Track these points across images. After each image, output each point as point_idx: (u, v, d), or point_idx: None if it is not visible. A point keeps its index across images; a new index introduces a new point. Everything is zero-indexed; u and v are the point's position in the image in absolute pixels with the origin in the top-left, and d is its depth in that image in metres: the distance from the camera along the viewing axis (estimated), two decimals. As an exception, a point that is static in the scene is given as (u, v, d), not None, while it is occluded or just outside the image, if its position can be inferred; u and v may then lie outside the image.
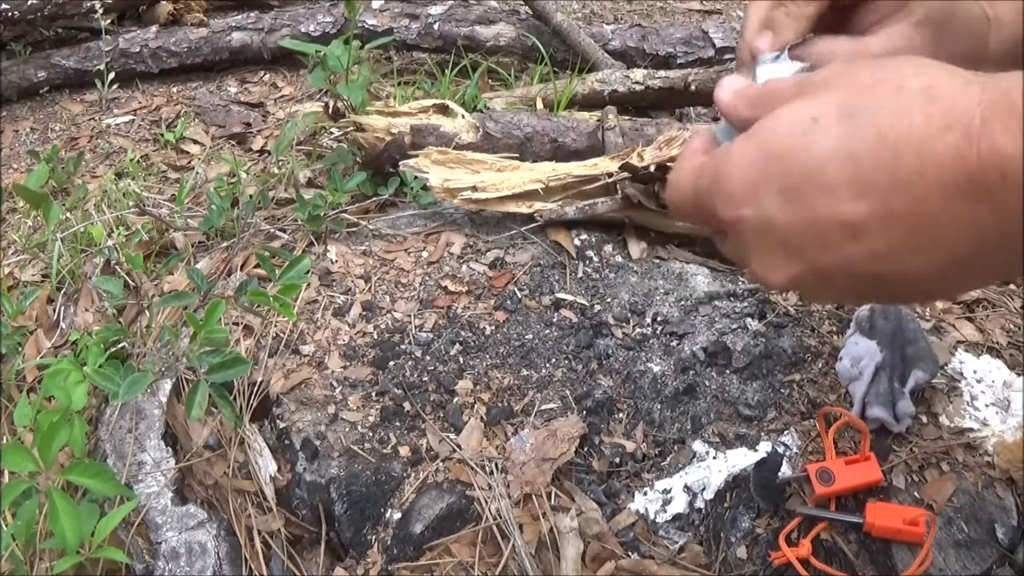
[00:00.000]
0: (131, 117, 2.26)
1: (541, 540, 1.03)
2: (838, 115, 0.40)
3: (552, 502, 1.06)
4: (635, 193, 1.44)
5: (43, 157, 1.77)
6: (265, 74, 2.44)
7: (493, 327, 1.30)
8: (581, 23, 2.48)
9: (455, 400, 1.19)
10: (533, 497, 1.06)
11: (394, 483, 1.10)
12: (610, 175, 1.48)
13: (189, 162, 2.03)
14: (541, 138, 1.73)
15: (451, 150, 1.59)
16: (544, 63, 2.20)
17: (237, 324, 1.32)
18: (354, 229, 1.52)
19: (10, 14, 2.30)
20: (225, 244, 1.54)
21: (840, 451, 1.08)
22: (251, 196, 1.59)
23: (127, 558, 1.03)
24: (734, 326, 1.28)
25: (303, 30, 2.38)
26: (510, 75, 2.26)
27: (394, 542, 1.06)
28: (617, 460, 1.12)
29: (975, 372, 1.18)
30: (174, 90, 2.38)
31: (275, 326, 1.30)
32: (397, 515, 1.08)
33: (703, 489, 1.07)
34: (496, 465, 1.10)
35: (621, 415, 1.18)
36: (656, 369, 1.23)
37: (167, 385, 1.24)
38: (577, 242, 1.46)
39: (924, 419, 1.12)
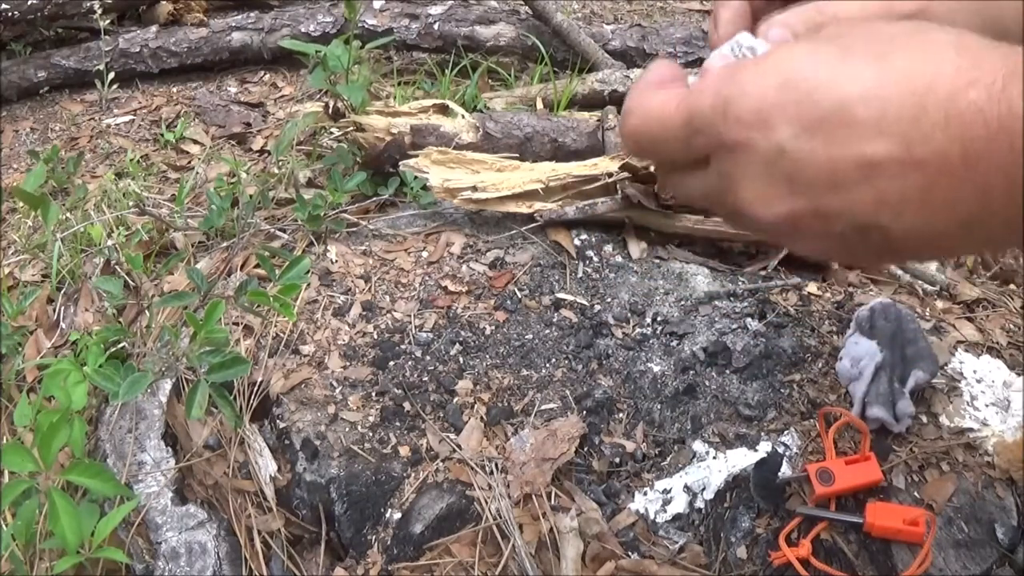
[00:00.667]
0: (131, 117, 2.26)
1: (541, 540, 1.03)
2: (867, 57, 0.39)
3: (552, 502, 1.06)
4: (635, 193, 1.44)
5: (43, 157, 1.77)
6: (265, 74, 2.44)
7: (493, 327, 1.30)
8: (581, 23, 2.47)
9: (455, 400, 1.19)
10: (533, 497, 1.06)
11: (394, 483, 1.10)
12: (610, 175, 1.49)
13: (189, 162, 2.03)
14: (541, 138, 1.73)
15: (451, 150, 1.59)
16: (544, 63, 2.20)
17: (237, 324, 1.32)
18: (354, 229, 1.52)
19: (10, 14, 2.30)
20: (225, 244, 1.54)
21: (840, 451, 1.08)
22: (251, 196, 1.59)
23: (127, 558, 1.03)
24: (734, 326, 1.28)
25: (303, 30, 2.37)
26: (510, 75, 2.26)
27: (394, 542, 1.06)
28: (617, 460, 1.12)
29: (975, 372, 1.18)
30: (174, 90, 2.38)
31: (275, 326, 1.30)
32: (397, 515, 1.08)
33: (703, 489, 1.07)
34: (496, 465, 1.10)
35: (621, 415, 1.18)
36: (656, 369, 1.23)
37: (167, 385, 1.24)
38: (577, 242, 1.46)
39: (924, 419, 1.12)
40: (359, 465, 1.12)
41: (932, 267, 1.46)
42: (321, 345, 1.28)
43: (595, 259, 1.44)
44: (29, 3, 2.30)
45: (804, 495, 1.04)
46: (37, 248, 1.65)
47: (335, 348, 1.28)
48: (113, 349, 1.26)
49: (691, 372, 1.22)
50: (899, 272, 1.41)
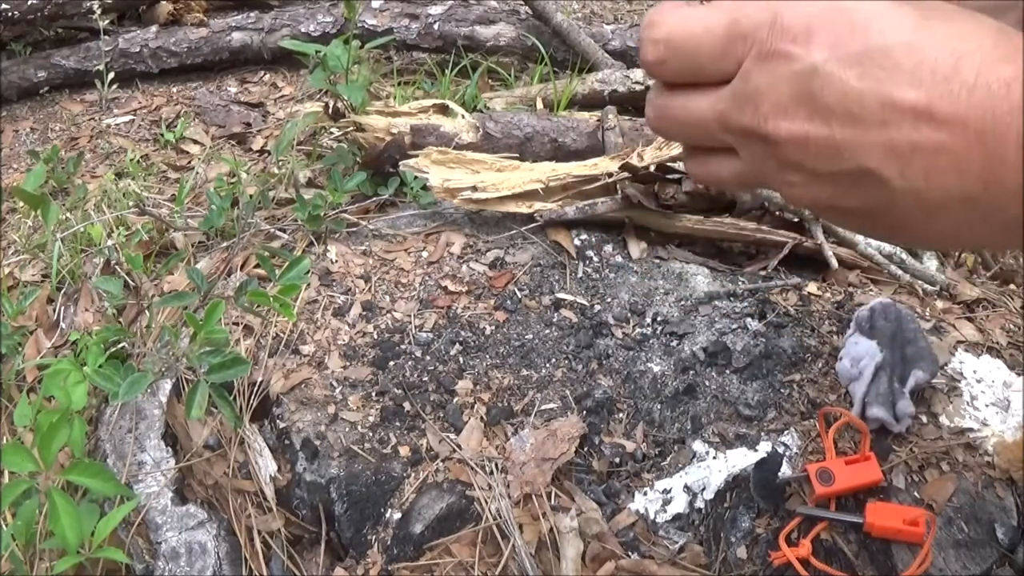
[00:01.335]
0: (131, 117, 2.26)
1: (541, 540, 1.03)
2: (916, 14, 0.39)
3: (552, 502, 1.06)
4: (635, 193, 1.44)
5: (43, 157, 1.77)
6: (265, 74, 2.44)
7: (493, 327, 1.30)
8: (581, 23, 2.47)
9: (455, 400, 1.19)
10: (533, 497, 1.06)
11: (394, 483, 1.10)
12: (610, 175, 1.49)
13: (189, 162, 2.03)
14: (541, 138, 1.73)
15: (451, 150, 1.59)
16: (544, 63, 2.20)
17: (237, 324, 1.32)
18: (354, 229, 1.53)
19: (10, 14, 2.30)
20: (225, 244, 1.54)
21: (840, 451, 1.08)
22: (251, 196, 1.59)
23: (127, 558, 1.03)
24: (734, 326, 1.28)
25: (303, 30, 2.37)
26: (510, 75, 2.26)
27: (394, 542, 1.06)
28: (617, 460, 1.12)
29: (975, 372, 1.18)
30: (174, 90, 2.38)
31: (275, 326, 1.30)
32: (397, 515, 1.08)
33: (703, 489, 1.07)
34: (496, 465, 1.10)
35: (621, 415, 1.18)
36: (656, 369, 1.23)
37: (167, 385, 1.24)
38: (577, 242, 1.46)
39: (924, 419, 1.12)
40: (359, 465, 1.12)
41: (932, 267, 1.46)
42: (321, 345, 1.28)
43: (595, 259, 1.44)
44: (29, 3, 2.30)
45: (804, 495, 1.04)
46: (37, 248, 1.65)
47: (335, 348, 1.28)
48: (113, 349, 1.26)
49: (691, 372, 1.22)
50: (899, 272, 1.41)
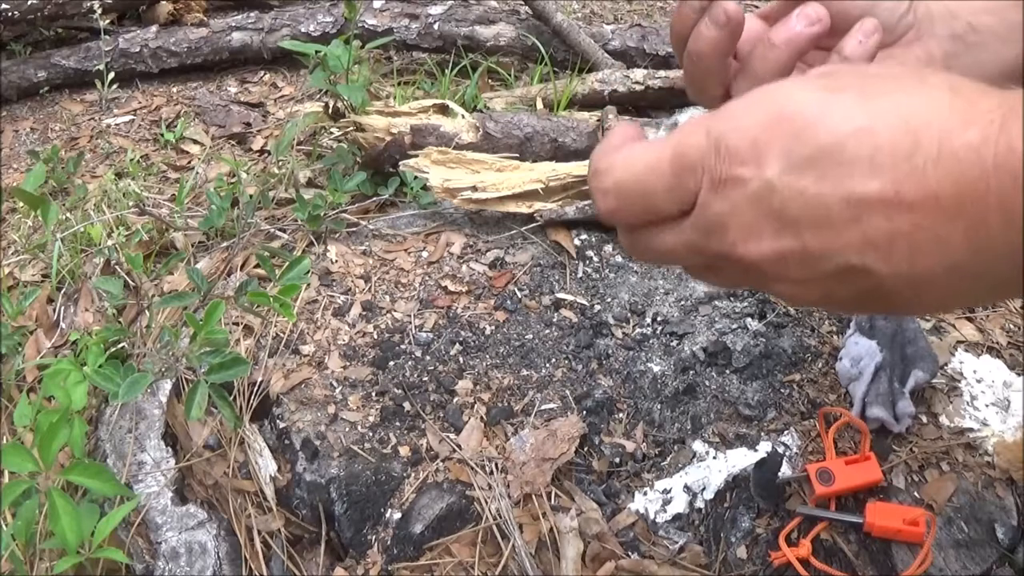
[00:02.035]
0: (131, 117, 2.26)
1: (541, 540, 1.03)
2: (859, 96, 0.38)
3: (552, 502, 1.06)
4: (635, 193, 1.44)
5: (43, 157, 1.77)
6: (265, 74, 2.44)
7: (493, 327, 1.30)
8: (581, 23, 2.47)
9: (455, 400, 1.19)
10: (533, 497, 1.06)
11: (394, 483, 1.10)
12: (610, 175, 1.48)
13: (189, 162, 2.03)
14: (541, 138, 1.73)
15: (451, 150, 1.59)
16: (544, 63, 2.19)
17: (237, 324, 1.32)
18: (354, 229, 1.53)
19: (10, 14, 2.30)
20: (225, 244, 1.54)
21: (840, 451, 1.08)
22: (251, 196, 1.59)
23: (127, 558, 1.03)
24: (734, 326, 1.28)
25: (303, 30, 2.37)
26: (510, 75, 2.26)
27: (394, 542, 1.06)
28: (617, 460, 1.12)
29: (975, 372, 1.18)
30: (174, 90, 2.37)
31: (275, 326, 1.30)
32: (397, 515, 1.08)
33: (703, 489, 1.07)
34: (496, 465, 1.10)
35: (621, 415, 1.18)
36: (656, 369, 1.23)
37: (167, 385, 1.24)
38: (577, 242, 1.46)
39: (924, 419, 1.12)
40: (359, 465, 1.12)
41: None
42: (321, 345, 1.28)
43: (595, 259, 1.44)
44: (29, 3, 2.30)
45: (804, 495, 1.04)
46: (37, 248, 1.65)
47: (335, 348, 1.28)
48: (113, 349, 1.26)
49: (691, 372, 1.22)
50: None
